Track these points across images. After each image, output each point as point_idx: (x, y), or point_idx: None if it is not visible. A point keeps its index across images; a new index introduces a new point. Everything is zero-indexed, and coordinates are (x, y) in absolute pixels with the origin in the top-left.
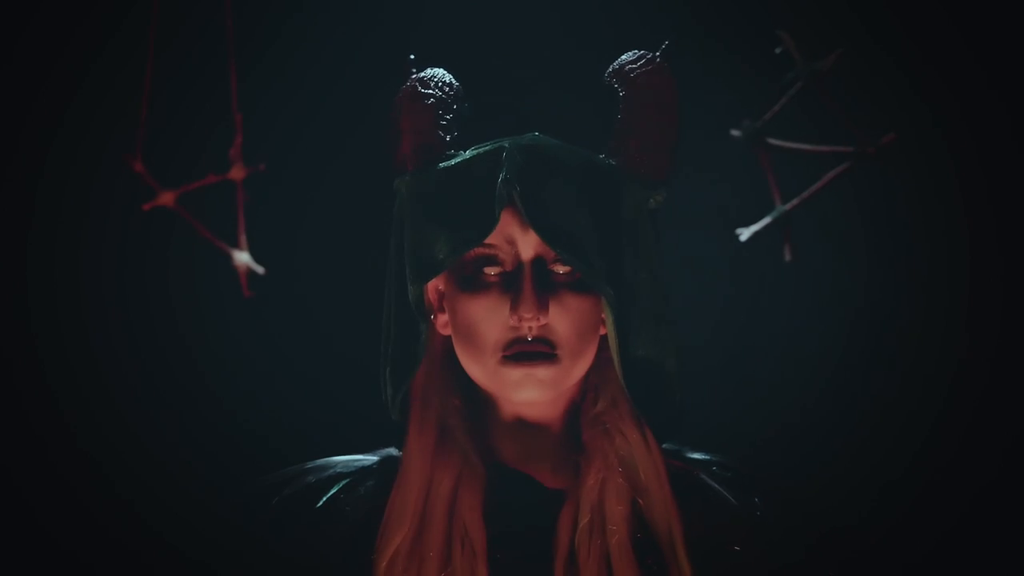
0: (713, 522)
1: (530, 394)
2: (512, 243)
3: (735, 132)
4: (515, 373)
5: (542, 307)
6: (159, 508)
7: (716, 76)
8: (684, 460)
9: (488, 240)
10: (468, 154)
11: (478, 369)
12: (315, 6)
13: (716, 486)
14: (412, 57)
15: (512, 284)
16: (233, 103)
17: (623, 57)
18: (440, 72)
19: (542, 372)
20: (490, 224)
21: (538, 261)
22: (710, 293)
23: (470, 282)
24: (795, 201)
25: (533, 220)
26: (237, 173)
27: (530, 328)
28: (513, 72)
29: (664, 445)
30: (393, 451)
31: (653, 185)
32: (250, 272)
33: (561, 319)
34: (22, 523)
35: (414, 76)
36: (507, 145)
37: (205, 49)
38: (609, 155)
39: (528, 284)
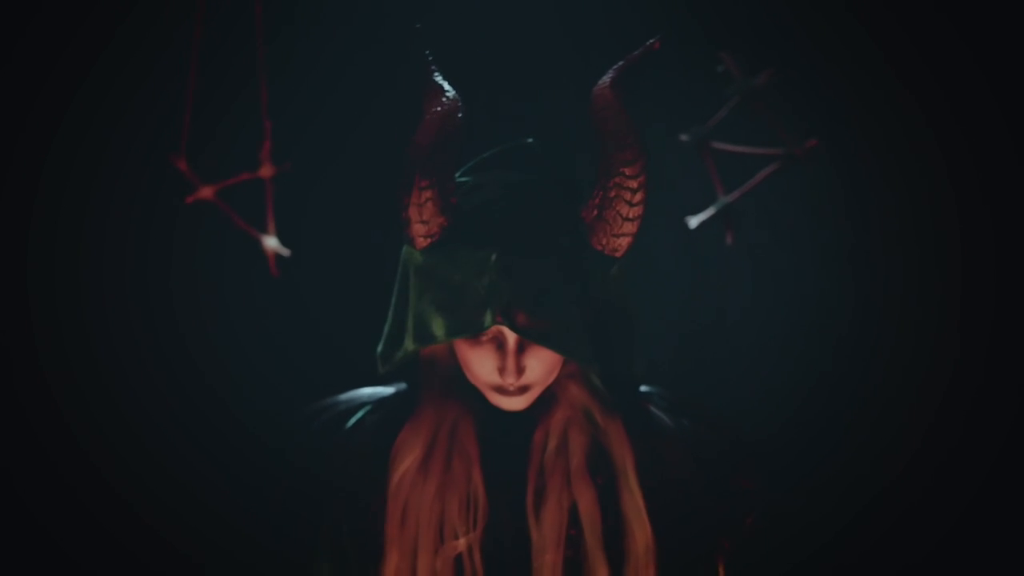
0: (655, 440)
1: (513, 407)
2: (499, 329)
3: (684, 136)
4: (501, 399)
5: (521, 373)
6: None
7: (669, 90)
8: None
9: None
10: (463, 240)
11: (474, 383)
12: (328, 30)
13: (658, 412)
14: (418, 26)
15: (500, 346)
16: (263, 112)
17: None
18: (442, 159)
19: (522, 399)
20: (479, 330)
21: (519, 339)
22: (665, 278)
23: None
24: (735, 194)
25: (522, 334)
26: (266, 171)
27: (511, 383)
28: (523, 74)
29: None
30: (404, 385)
31: (614, 260)
32: (277, 255)
33: (536, 367)
34: (20, 518)
35: (416, 167)
36: (494, 256)
37: (239, 66)
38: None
39: (511, 359)
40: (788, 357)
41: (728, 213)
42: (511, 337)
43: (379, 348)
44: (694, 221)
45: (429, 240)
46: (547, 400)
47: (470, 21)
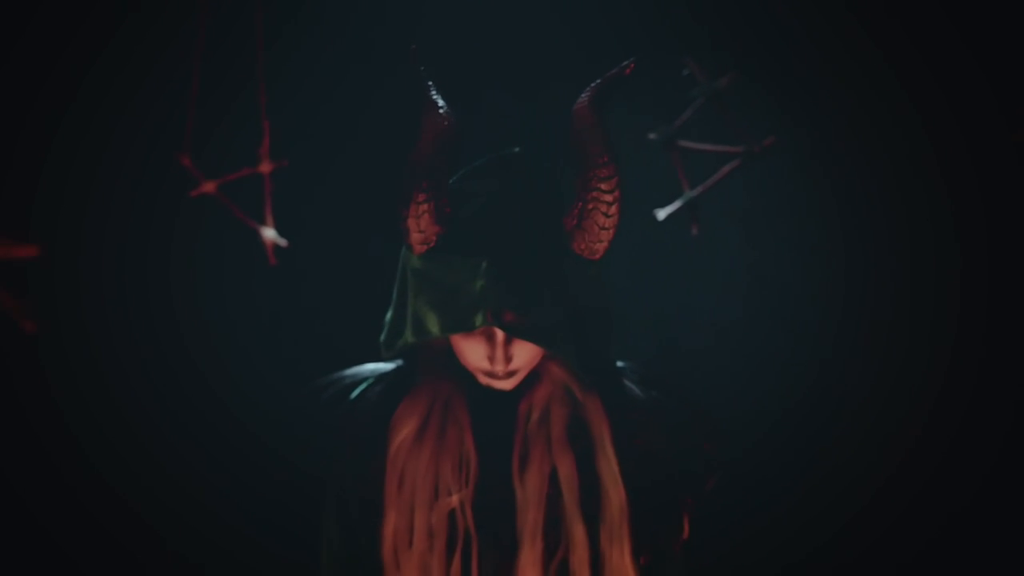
0: (628, 410)
1: (501, 388)
2: (489, 325)
3: (652, 135)
4: (491, 381)
5: (508, 362)
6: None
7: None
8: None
9: None
10: (457, 254)
11: (466, 367)
12: (325, 33)
13: (631, 385)
14: (414, 47)
15: (490, 338)
16: (263, 111)
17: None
18: (437, 172)
19: (509, 382)
20: (471, 328)
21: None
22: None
23: None
24: (700, 188)
25: (510, 332)
26: (265, 167)
27: (500, 370)
28: (519, 73)
29: None
30: (401, 362)
31: (592, 263)
32: (275, 246)
33: (521, 355)
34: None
35: (414, 182)
36: (485, 263)
37: (240, 68)
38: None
39: (500, 350)
40: (779, 360)
41: (694, 207)
42: (500, 331)
43: (382, 337)
44: (662, 214)
45: (426, 247)
46: (532, 377)
47: (466, 24)
